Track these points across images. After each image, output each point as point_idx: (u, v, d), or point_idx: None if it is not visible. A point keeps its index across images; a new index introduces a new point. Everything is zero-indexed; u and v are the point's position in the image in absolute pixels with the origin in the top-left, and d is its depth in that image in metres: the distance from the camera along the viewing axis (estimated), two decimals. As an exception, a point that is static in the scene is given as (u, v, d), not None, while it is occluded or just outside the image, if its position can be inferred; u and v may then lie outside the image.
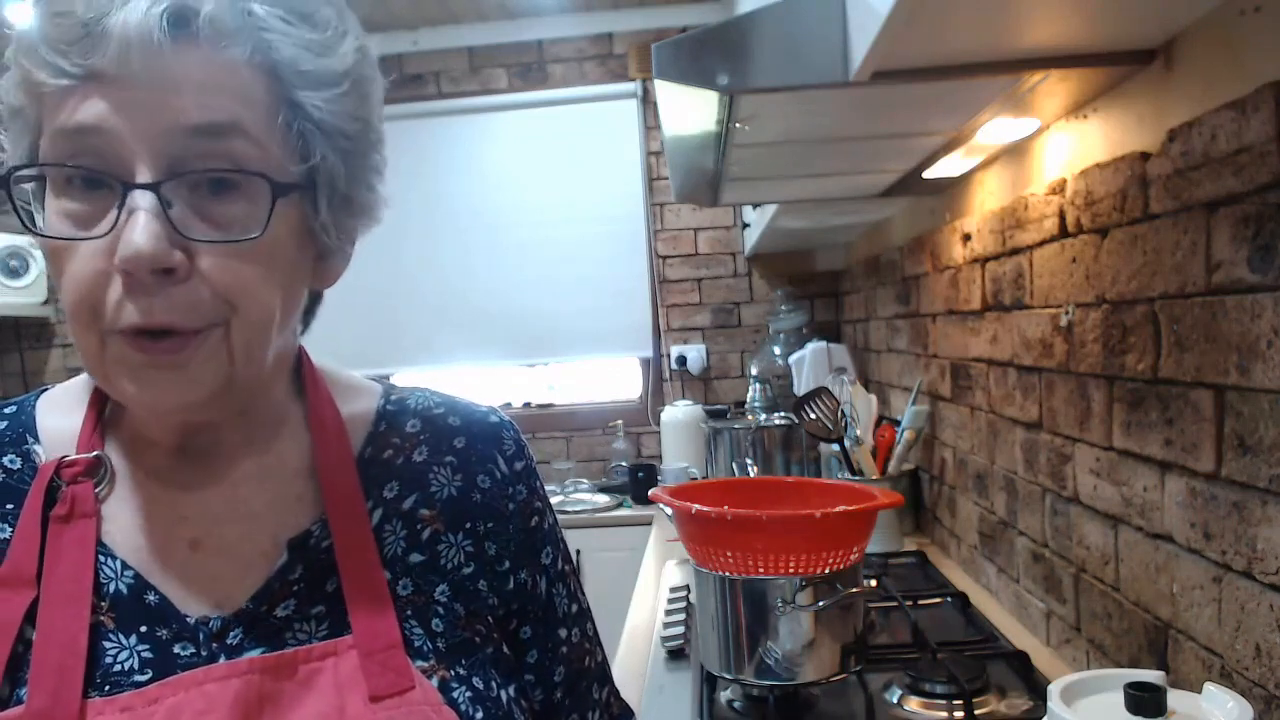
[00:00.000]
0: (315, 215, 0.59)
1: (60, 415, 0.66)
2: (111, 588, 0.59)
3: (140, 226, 0.51)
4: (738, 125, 1.20)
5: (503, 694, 0.64)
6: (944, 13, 0.82)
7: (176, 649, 0.58)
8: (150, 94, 0.51)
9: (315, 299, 0.69)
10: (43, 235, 0.54)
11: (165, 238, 0.52)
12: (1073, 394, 1.24)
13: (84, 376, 0.68)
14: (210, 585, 0.61)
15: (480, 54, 3.53)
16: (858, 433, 2.09)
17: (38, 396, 0.68)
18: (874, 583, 1.65)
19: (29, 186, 0.57)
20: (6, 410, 0.67)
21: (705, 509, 1.11)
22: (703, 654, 1.22)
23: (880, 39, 0.82)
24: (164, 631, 0.58)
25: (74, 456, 0.62)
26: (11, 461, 0.63)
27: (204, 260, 0.53)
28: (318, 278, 0.64)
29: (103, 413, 0.65)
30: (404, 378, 3.59)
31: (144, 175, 0.52)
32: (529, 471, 0.73)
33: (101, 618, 0.58)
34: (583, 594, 0.77)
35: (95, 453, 0.62)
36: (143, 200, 0.52)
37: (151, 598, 0.59)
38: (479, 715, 0.61)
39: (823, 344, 2.80)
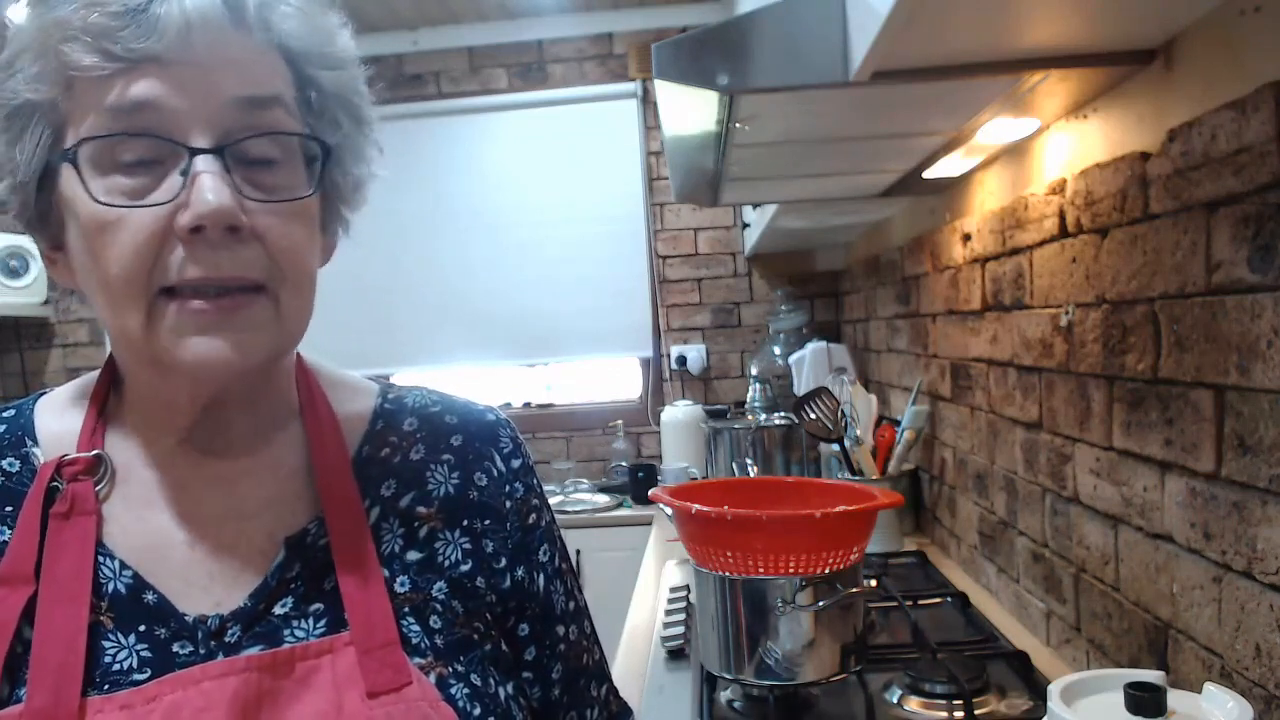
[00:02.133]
0: (333, 185, 0.64)
1: (59, 418, 0.66)
2: (110, 587, 0.59)
3: (213, 186, 0.54)
4: (738, 125, 1.20)
5: (501, 691, 0.64)
6: (944, 13, 0.82)
7: (175, 647, 0.58)
8: (206, 72, 0.55)
9: None
10: (104, 204, 0.55)
11: (232, 197, 0.55)
12: (1073, 394, 1.24)
13: (82, 379, 0.68)
14: (208, 584, 0.61)
15: (480, 54, 3.53)
16: (858, 433, 2.09)
17: (36, 400, 0.68)
18: (874, 583, 1.65)
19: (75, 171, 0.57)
20: (5, 414, 0.67)
21: (705, 509, 1.11)
22: (703, 654, 1.22)
23: (880, 39, 0.83)
24: (162, 630, 0.59)
25: (74, 455, 0.62)
26: (10, 465, 0.63)
27: (260, 221, 0.57)
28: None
29: (102, 413, 0.65)
30: (404, 378, 3.59)
31: (202, 143, 0.55)
32: (526, 470, 0.73)
33: (100, 617, 0.58)
34: (580, 592, 0.77)
35: (95, 451, 0.63)
36: (209, 164, 0.55)
37: (150, 597, 0.60)
38: (476, 712, 0.61)
39: (823, 344, 2.80)
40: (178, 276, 0.55)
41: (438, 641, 0.63)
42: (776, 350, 3.15)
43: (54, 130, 0.57)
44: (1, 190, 0.60)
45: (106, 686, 0.56)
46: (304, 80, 0.61)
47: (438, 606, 0.64)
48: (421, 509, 0.67)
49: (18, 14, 0.57)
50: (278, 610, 0.61)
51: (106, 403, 0.66)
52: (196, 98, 0.55)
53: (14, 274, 3.40)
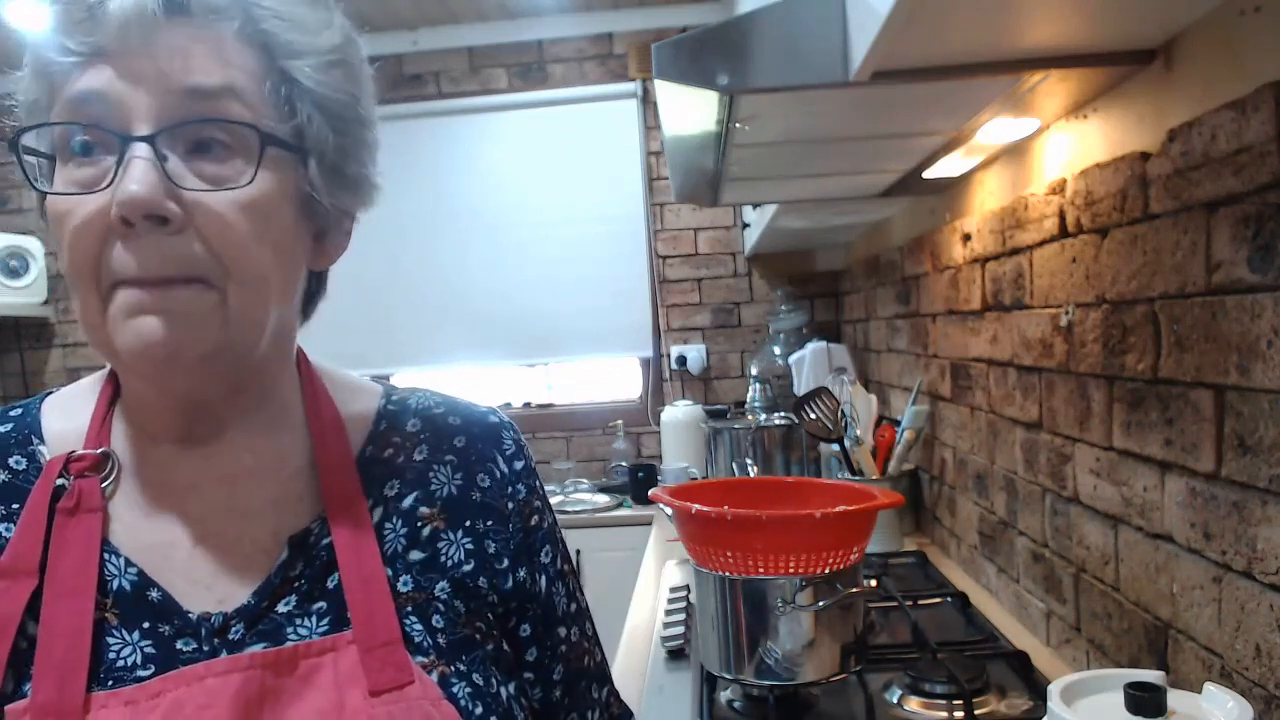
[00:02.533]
0: (307, 181, 0.61)
1: (65, 417, 0.66)
2: (115, 584, 0.60)
3: (135, 174, 0.54)
4: (738, 125, 1.20)
5: (502, 691, 0.64)
6: (944, 13, 0.82)
7: (179, 644, 0.58)
8: (148, 63, 0.55)
9: (316, 287, 0.70)
10: (50, 193, 0.56)
11: (160, 185, 0.54)
12: (1073, 394, 1.24)
13: (89, 379, 0.69)
14: (212, 582, 0.61)
15: (480, 54, 3.53)
16: (858, 433, 2.09)
17: (43, 399, 0.69)
18: (874, 583, 1.65)
19: (36, 161, 0.59)
20: (12, 413, 0.67)
21: (705, 509, 1.11)
22: (703, 654, 1.22)
23: (880, 39, 0.83)
24: (166, 627, 0.59)
25: (81, 452, 0.62)
26: (17, 463, 0.63)
27: (198, 214, 0.56)
28: (316, 257, 0.66)
29: (109, 411, 0.65)
30: (404, 378, 3.60)
31: (141, 131, 0.55)
32: (529, 471, 0.73)
33: (105, 614, 0.58)
34: (582, 594, 0.77)
35: (102, 449, 0.63)
36: (139, 150, 0.54)
37: (154, 594, 0.60)
38: (478, 711, 0.61)
39: (823, 344, 2.80)
40: (110, 275, 0.55)
41: (440, 640, 0.63)
42: (776, 350, 3.15)
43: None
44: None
45: (111, 682, 0.56)
46: (275, 72, 0.59)
47: (440, 606, 0.64)
48: (424, 509, 0.67)
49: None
50: (281, 608, 0.61)
51: (113, 401, 0.66)
52: (139, 88, 0.55)
53: (14, 274, 3.40)
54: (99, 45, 0.55)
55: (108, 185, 0.54)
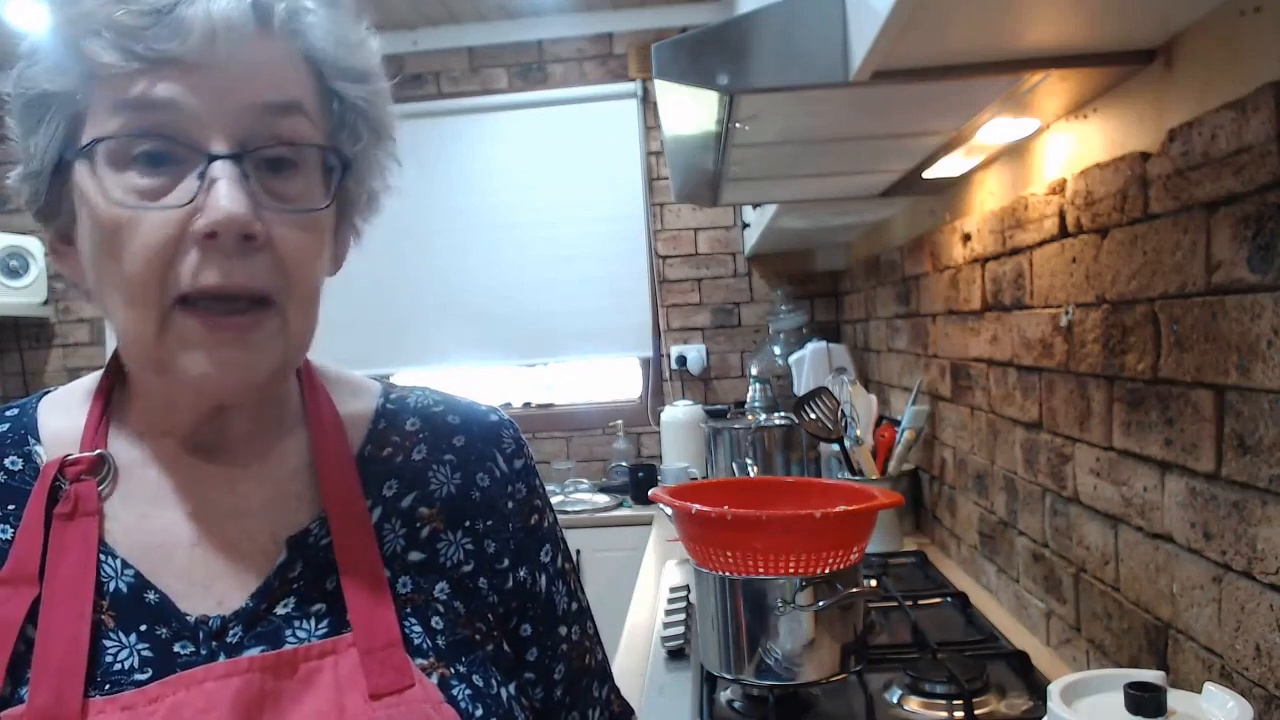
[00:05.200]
0: (349, 198, 0.64)
1: (62, 417, 0.66)
2: (112, 586, 0.59)
3: (228, 193, 0.54)
4: (738, 125, 1.20)
5: (503, 691, 0.64)
6: (944, 13, 0.82)
7: (176, 647, 0.58)
8: (228, 77, 0.55)
9: None
10: (122, 205, 0.55)
11: (250, 204, 0.55)
12: (1073, 394, 1.24)
13: (86, 379, 0.68)
14: (210, 583, 0.61)
15: (480, 54, 3.53)
16: (858, 433, 2.09)
17: (39, 399, 0.68)
18: (874, 583, 1.65)
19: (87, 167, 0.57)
20: (8, 413, 0.67)
21: (705, 509, 1.11)
22: (703, 654, 1.22)
23: (880, 39, 0.83)
24: (164, 630, 0.59)
25: (77, 455, 0.62)
26: (13, 463, 0.63)
27: (274, 232, 0.57)
28: (330, 266, 0.66)
29: (105, 412, 0.65)
30: (404, 378, 3.60)
31: (220, 148, 0.55)
32: (528, 470, 0.73)
33: (102, 616, 0.58)
34: (582, 593, 0.77)
35: (98, 451, 0.63)
36: (226, 170, 0.55)
37: (152, 596, 0.59)
38: (478, 712, 0.61)
39: (823, 344, 2.80)
40: (192, 284, 0.55)
41: (439, 642, 0.63)
42: (776, 350, 3.15)
43: (70, 123, 0.57)
44: (13, 178, 0.60)
45: (108, 686, 0.56)
46: (327, 90, 0.61)
47: (439, 607, 0.64)
48: (423, 509, 0.67)
49: (18, 14, 0.58)
50: (279, 610, 0.60)
51: (110, 401, 0.66)
52: (217, 101, 0.55)
53: (14, 274, 3.40)
54: (172, 53, 0.54)
55: (188, 201, 0.54)
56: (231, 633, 0.59)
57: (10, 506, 0.61)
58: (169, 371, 0.57)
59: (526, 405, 3.63)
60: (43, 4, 0.57)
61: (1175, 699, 0.76)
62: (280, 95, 0.57)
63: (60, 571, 0.58)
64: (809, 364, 2.77)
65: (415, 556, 0.65)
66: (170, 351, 0.56)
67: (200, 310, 0.56)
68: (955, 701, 1.12)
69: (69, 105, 0.56)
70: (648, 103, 3.45)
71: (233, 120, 0.55)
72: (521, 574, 0.70)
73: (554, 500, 3.13)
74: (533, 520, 0.72)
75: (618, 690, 0.80)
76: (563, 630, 0.73)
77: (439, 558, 0.66)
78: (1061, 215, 1.25)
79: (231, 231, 0.54)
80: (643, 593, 1.94)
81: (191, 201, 0.54)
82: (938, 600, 1.56)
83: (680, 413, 3.15)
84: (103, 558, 0.60)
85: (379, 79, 0.64)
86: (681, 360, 3.48)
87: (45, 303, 3.53)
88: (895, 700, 1.17)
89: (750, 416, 2.75)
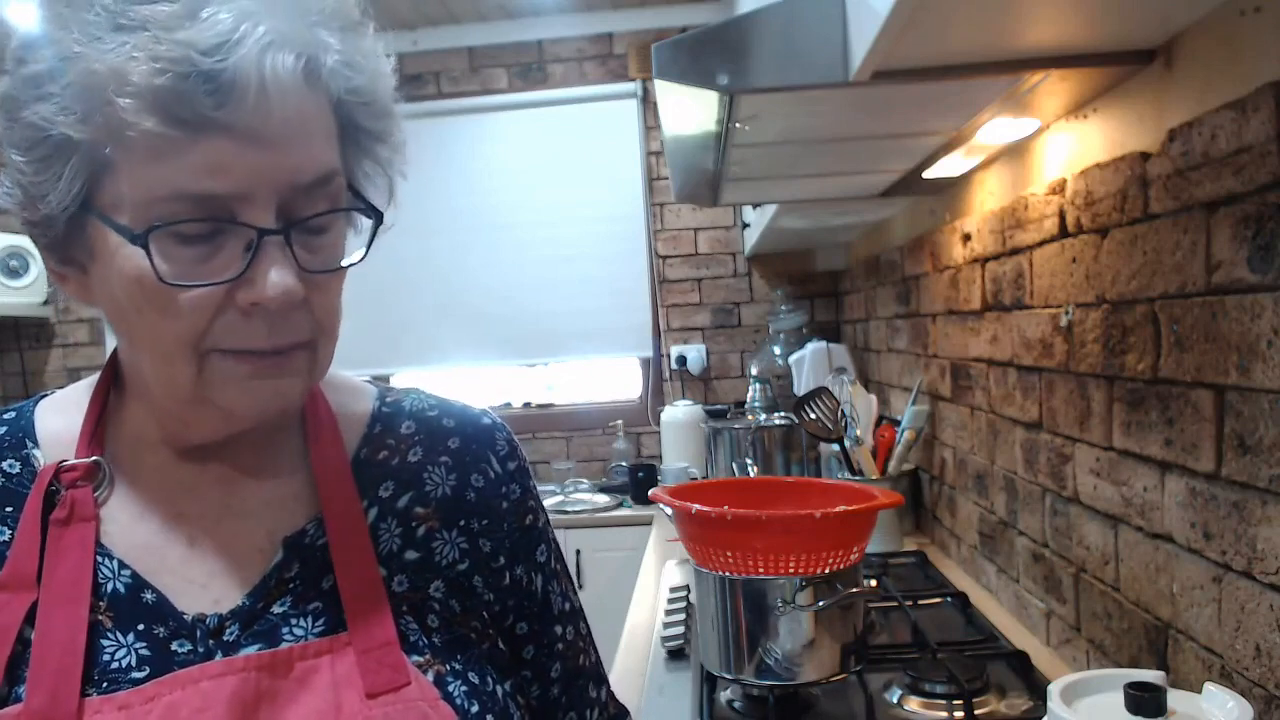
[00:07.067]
0: (357, 223, 0.64)
1: (59, 420, 0.66)
2: (109, 587, 0.59)
3: (280, 269, 0.55)
4: (738, 125, 1.20)
5: (499, 689, 0.64)
6: (944, 13, 0.82)
7: (174, 646, 0.58)
8: (276, 149, 0.53)
9: None
10: (179, 285, 0.53)
11: (297, 275, 0.56)
12: (1073, 394, 1.24)
13: (83, 382, 0.68)
14: (207, 583, 0.61)
15: (480, 54, 3.53)
16: (858, 433, 2.09)
17: (37, 402, 0.68)
18: (874, 583, 1.65)
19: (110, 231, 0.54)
20: (6, 416, 0.67)
21: (705, 509, 1.11)
22: (703, 654, 1.22)
23: (880, 39, 0.83)
24: (161, 629, 0.59)
25: (73, 461, 0.62)
26: (11, 466, 0.63)
27: (314, 290, 0.58)
28: None
29: (101, 415, 0.65)
30: (404, 378, 3.60)
31: (266, 220, 0.54)
32: (522, 471, 0.74)
33: (100, 616, 0.58)
34: (575, 594, 0.78)
35: (94, 458, 0.63)
36: (275, 245, 0.55)
37: (149, 596, 0.60)
38: (474, 710, 0.61)
39: (823, 344, 2.80)
40: (234, 344, 0.56)
41: (435, 640, 0.63)
42: (776, 350, 3.15)
43: (91, 171, 0.53)
44: (9, 204, 0.57)
45: (105, 685, 0.56)
46: (349, 127, 0.60)
47: (435, 605, 0.64)
48: (419, 509, 0.67)
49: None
50: (276, 609, 0.61)
51: (107, 404, 0.66)
52: (265, 177, 0.53)
53: (14, 274, 3.40)
54: (220, 121, 0.51)
55: (240, 274, 0.54)
56: (228, 631, 0.59)
57: (8, 509, 0.61)
58: (205, 405, 0.58)
59: (526, 405, 3.64)
60: (58, 38, 0.51)
61: (1175, 699, 0.76)
62: (323, 166, 0.56)
63: (57, 575, 0.58)
64: (809, 364, 2.77)
65: (411, 555, 0.65)
66: (207, 388, 0.57)
67: (239, 355, 0.56)
68: (955, 701, 1.12)
69: (94, 156, 0.52)
70: (648, 103, 3.45)
71: (278, 194, 0.54)
72: (518, 572, 0.70)
73: (554, 500, 3.15)
74: (527, 520, 0.72)
75: (613, 692, 0.80)
76: (558, 629, 0.73)
77: (434, 556, 0.66)
78: (1061, 215, 1.25)
79: (286, 305, 0.55)
80: (643, 593, 1.94)
81: (241, 274, 0.54)
82: (938, 600, 1.56)
83: (680, 413, 3.15)
84: (100, 559, 0.60)
85: (395, 112, 0.64)
86: (681, 360, 3.48)
87: (45, 303, 3.53)
88: (895, 700, 1.17)
89: (750, 416, 2.75)
